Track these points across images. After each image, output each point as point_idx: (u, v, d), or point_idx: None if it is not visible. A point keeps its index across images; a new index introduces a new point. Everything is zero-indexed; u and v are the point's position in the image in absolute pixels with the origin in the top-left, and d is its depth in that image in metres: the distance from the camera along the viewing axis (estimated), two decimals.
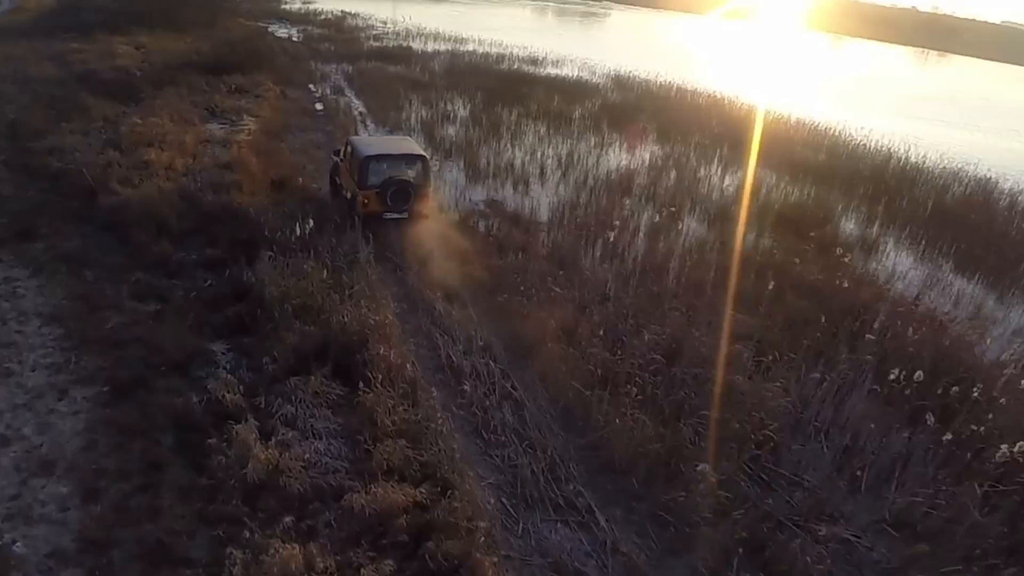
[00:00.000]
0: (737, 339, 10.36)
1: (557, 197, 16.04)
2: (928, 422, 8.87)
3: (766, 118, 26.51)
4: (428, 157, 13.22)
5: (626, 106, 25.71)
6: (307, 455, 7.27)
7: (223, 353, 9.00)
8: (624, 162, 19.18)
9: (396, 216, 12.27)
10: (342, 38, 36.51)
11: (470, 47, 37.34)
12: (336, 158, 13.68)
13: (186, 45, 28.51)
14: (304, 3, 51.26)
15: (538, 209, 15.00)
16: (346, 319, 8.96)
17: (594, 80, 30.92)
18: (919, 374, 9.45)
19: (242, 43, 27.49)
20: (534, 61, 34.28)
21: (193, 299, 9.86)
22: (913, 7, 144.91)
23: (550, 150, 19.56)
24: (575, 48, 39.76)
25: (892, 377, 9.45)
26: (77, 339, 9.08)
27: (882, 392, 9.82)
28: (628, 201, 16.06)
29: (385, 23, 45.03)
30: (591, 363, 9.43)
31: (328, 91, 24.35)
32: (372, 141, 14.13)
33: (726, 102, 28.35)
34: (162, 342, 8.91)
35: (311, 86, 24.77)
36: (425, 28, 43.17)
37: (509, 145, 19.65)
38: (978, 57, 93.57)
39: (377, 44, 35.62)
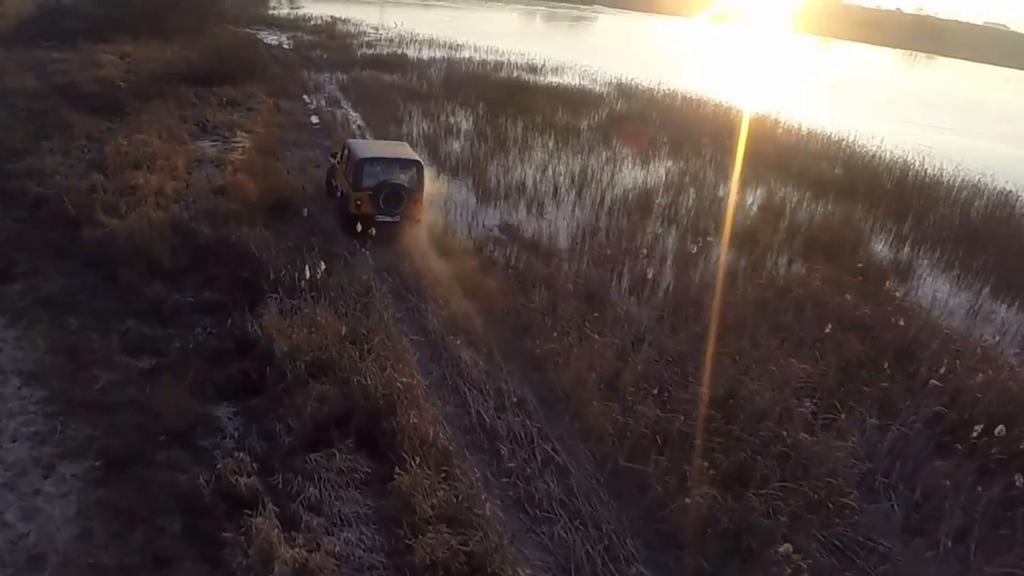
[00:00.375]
0: (793, 387, 9.48)
1: (574, 220, 15.08)
2: (1018, 483, 8.02)
3: (776, 128, 25.78)
4: (422, 163, 13.19)
5: (633, 116, 24.84)
6: (337, 547, 6.25)
7: (229, 418, 7.92)
8: (639, 179, 18.27)
9: (388, 219, 12.25)
10: (334, 45, 35.39)
11: (466, 54, 36.36)
12: (333, 160, 14.04)
13: (173, 54, 27.30)
14: (292, 9, 50.05)
15: (556, 235, 14.03)
16: (368, 380, 7.92)
17: (597, 89, 30.06)
18: (1001, 429, 8.59)
19: (232, 51, 26.33)
20: (533, 68, 33.36)
21: (192, 352, 8.77)
22: (898, 8, 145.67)
23: (561, 166, 18.61)
24: (570, 54, 38.83)
25: (975, 434, 8.58)
26: (62, 403, 7.96)
27: (952, 443, 8.97)
28: (649, 224, 15.13)
29: (377, 29, 43.96)
30: (639, 420, 8.48)
31: (323, 102, 23.27)
32: (368, 145, 14.22)
33: (733, 111, 27.57)
34: (160, 406, 7.83)
35: (305, 97, 23.68)
36: (418, 34, 42.13)
37: (518, 161, 18.69)
38: (964, 59, 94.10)
39: (371, 52, 34.54)
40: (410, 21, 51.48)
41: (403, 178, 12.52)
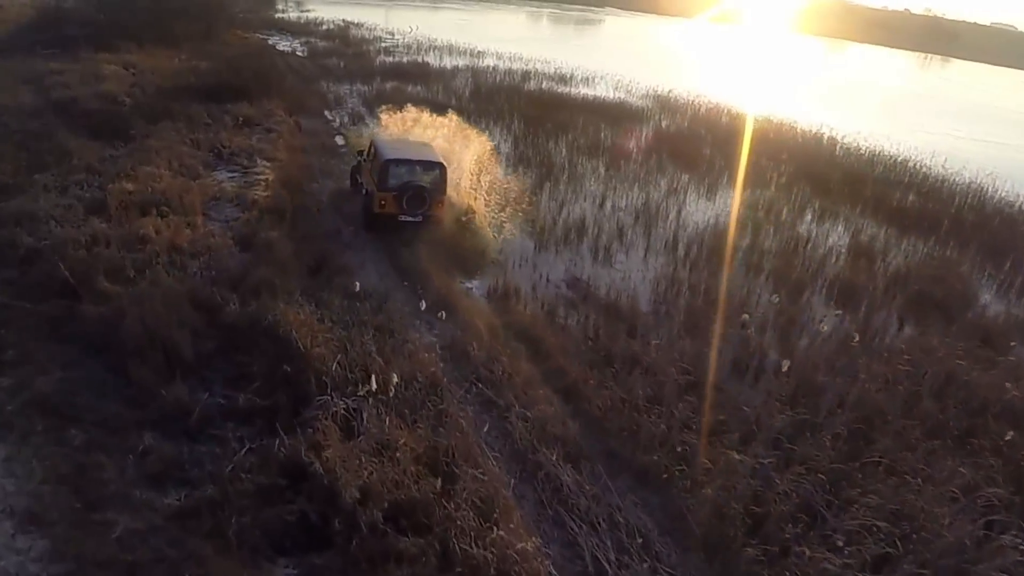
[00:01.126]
0: (976, 507, 7.62)
1: (649, 270, 13.11)
2: None
3: (838, 149, 23.85)
4: (446, 165, 13.12)
5: (682, 135, 22.87)
6: None
7: None
8: (709, 213, 16.30)
9: (410, 219, 12.48)
10: (351, 52, 33.35)
11: (488, 62, 34.34)
12: (359, 157, 14.36)
13: (181, 64, 25.32)
14: (302, 12, 48.04)
15: (634, 292, 12.03)
16: (472, 547, 5.97)
17: (635, 102, 28.05)
18: None
19: (245, 62, 24.29)
20: (562, 79, 31.32)
21: (231, 479, 6.80)
22: (906, 9, 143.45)
23: (619, 198, 16.66)
24: (594, 60, 36.81)
25: None
26: (71, 560, 6.03)
27: None
28: (734, 274, 13.19)
29: (393, 35, 41.89)
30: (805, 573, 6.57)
31: (347, 119, 21.29)
32: (395, 144, 13.91)
33: (784, 127, 25.63)
34: (198, 566, 5.93)
35: (327, 113, 21.73)
36: (435, 40, 40.09)
37: (569, 191, 16.72)
38: (977, 61, 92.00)
39: (390, 60, 32.53)
40: (423, 24, 49.44)
41: (427, 179, 12.61)
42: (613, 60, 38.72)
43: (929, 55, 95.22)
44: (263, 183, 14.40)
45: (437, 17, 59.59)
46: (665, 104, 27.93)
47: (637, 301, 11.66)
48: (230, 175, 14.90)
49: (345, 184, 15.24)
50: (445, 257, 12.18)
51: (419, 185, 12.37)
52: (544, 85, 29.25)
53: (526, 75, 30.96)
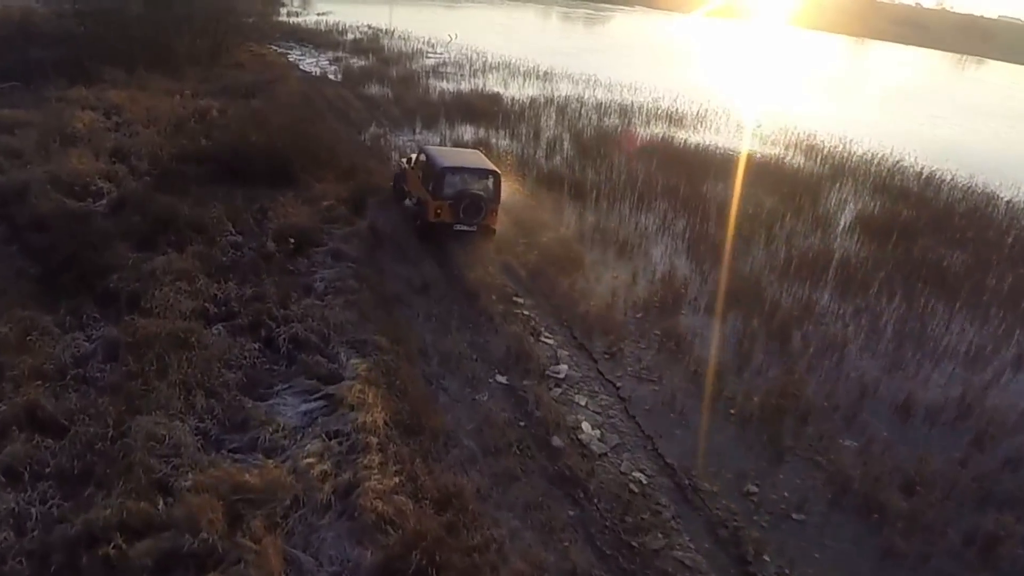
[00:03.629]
0: None
1: None
2: None
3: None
4: (499, 172, 12.40)
5: (920, 228, 15.64)
6: None
7: None
8: None
9: (465, 228, 11.94)
10: (395, 75, 25.89)
11: (564, 88, 26.99)
12: (405, 165, 13.63)
13: (186, 105, 17.92)
14: (309, 13, 40.46)
15: None
16: None
17: (792, 158, 20.70)
18: None
19: (279, 117, 16.79)
20: (672, 118, 23.92)
21: None
22: (917, 3, 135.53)
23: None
24: (667, 79, 29.52)
25: None
26: None
27: None
28: None
29: (433, 46, 34.37)
30: None
31: None
32: (447, 153, 13.31)
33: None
34: None
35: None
36: (482, 52, 32.75)
37: (817, 365, 9.73)
38: (1015, 63, 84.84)
39: (445, 86, 25.16)
40: (455, 26, 42.03)
41: (482, 187, 12.11)
42: (691, 78, 31.50)
43: (964, 55, 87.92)
44: (373, 446, 6.99)
45: (458, 18, 51.94)
46: (831, 162, 20.65)
47: None
48: (304, 412, 7.50)
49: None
50: None
51: (475, 193, 11.91)
52: (657, 129, 21.98)
53: (625, 112, 23.65)
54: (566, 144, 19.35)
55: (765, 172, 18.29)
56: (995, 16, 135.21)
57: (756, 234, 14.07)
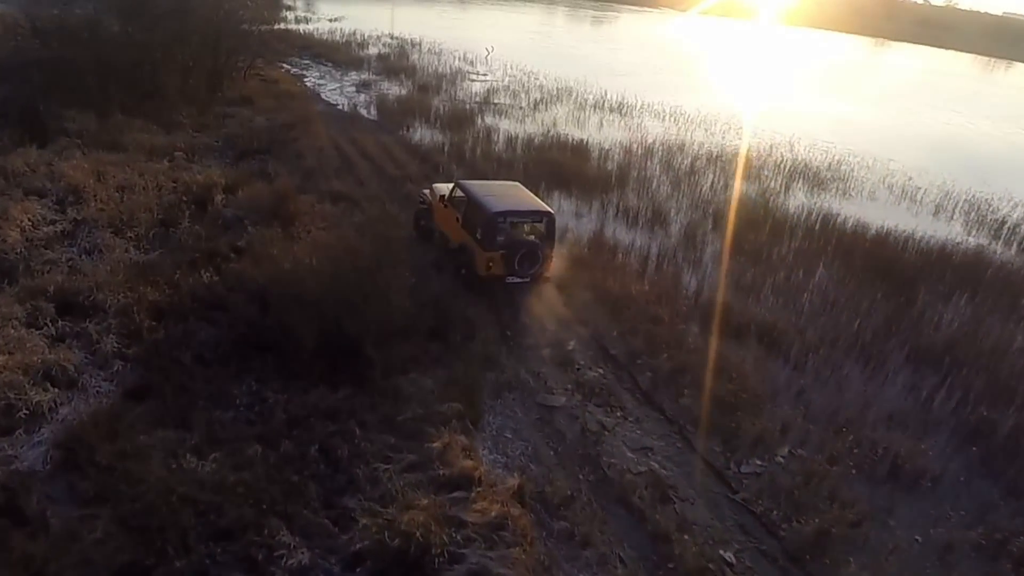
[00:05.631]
0: None
1: None
2: None
3: None
4: (554, 214, 10.54)
5: None
6: None
7: None
8: None
9: (519, 280, 10.13)
10: (440, 109, 20.22)
11: (650, 125, 21.41)
12: (429, 197, 11.63)
13: (174, 183, 12.20)
14: (331, 21, 34.52)
15: None
16: None
17: (967, 241, 15.33)
18: None
19: (304, 179, 11.31)
20: (815, 178, 18.34)
21: None
22: (926, 2, 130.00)
23: None
24: (752, 105, 24.15)
25: None
26: None
27: None
28: None
29: (471, 62, 28.60)
30: None
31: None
32: (492, 191, 10.90)
33: None
34: None
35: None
36: (530, 71, 27.17)
37: None
38: None
39: (505, 125, 19.56)
40: (475, 29, 36.37)
41: (536, 232, 10.51)
42: (795, 106, 26.10)
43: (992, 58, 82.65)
44: None
45: (476, 22, 46.12)
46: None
47: None
48: None
49: None
50: None
51: (533, 243, 10.15)
52: (803, 199, 16.46)
53: (754, 168, 18.09)
54: (708, 230, 13.81)
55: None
56: (1000, 13, 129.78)
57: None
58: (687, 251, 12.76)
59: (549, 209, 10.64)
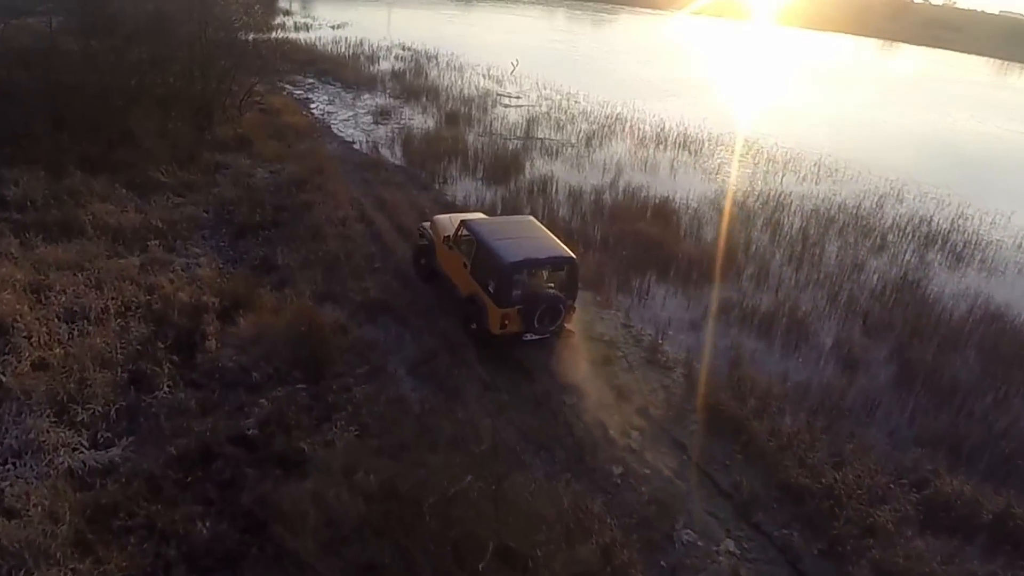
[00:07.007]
0: None
1: None
2: None
3: None
4: (575, 260, 9.19)
5: None
6: None
7: None
8: None
9: (538, 337, 8.86)
10: (478, 148, 16.51)
11: (737, 173, 17.71)
12: (431, 233, 10.17)
13: (151, 307, 8.45)
14: (333, 28, 30.53)
15: None
16: None
17: None
18: None
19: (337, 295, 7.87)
20: (952, 251, 14.84)
21: None
22: (926, 2, 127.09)
23: None
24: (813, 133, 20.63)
25: None
26: None
27: None
28: None
29: (497, 80, 24.82)
30: None
31: None
32: (504, 232, 9.35)
33: None
34: None
35: None
36: (566, 92, 23.51)
37: None
38: None
39: (558, 170, 15.90)
40: (489, 34, 32.53)
41: (556, 282, 9.20)
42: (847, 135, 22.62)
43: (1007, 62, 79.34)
44: None
45: (487, 27, 42.23)
46: None
47: None
48: None
49: None
50: None
51: (554, 297, 8.84)
52: (927, 282, 12.94)
53: (869, 227, 14.54)
54: (866, 344, 10.26)
55: None
56: (996, 11, 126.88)
57: None
58: (859, 386, 9.18)
59: (571, 254, 9.30)
